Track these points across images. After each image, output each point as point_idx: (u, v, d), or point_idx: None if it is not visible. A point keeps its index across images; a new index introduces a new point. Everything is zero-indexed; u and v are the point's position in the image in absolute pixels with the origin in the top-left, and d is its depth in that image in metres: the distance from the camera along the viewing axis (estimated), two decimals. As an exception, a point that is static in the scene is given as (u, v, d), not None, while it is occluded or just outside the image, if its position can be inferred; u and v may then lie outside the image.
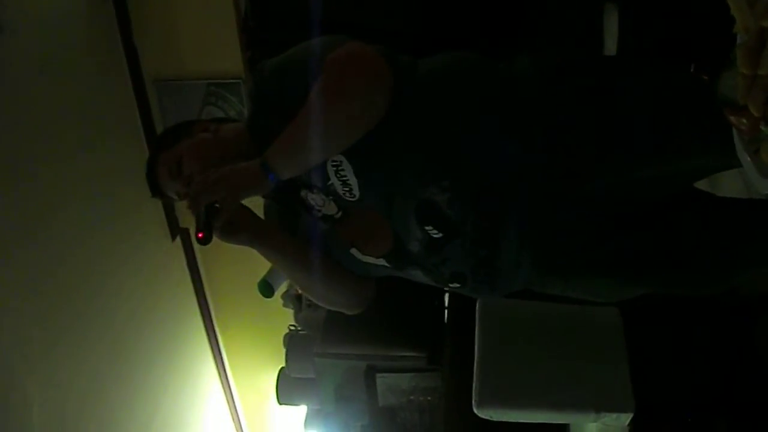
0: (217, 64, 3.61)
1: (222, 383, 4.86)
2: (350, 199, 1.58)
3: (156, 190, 1.72)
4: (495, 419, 2.13)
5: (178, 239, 4.21)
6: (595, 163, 1.50)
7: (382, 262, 1.69)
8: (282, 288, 3.89)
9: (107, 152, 3.48)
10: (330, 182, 1.56)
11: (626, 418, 2.05)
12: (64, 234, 3.16)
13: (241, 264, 4.28)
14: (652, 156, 1.50)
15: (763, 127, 0.98)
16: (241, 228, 1.57)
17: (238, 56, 3.54)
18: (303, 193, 1.64)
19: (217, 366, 4.77)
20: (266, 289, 3.80)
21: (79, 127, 3.31)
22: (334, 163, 1.53)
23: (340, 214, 1.64)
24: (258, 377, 4.78)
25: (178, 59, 3.65)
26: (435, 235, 1.55)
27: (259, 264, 3.88)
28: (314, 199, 1.64)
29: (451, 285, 1.68)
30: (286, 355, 3.25)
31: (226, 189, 1.45)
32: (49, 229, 3.07)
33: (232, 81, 3.62)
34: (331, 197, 1.61)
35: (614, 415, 2.05)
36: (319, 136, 1.45)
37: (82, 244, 3.28)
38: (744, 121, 1.01)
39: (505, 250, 1.55)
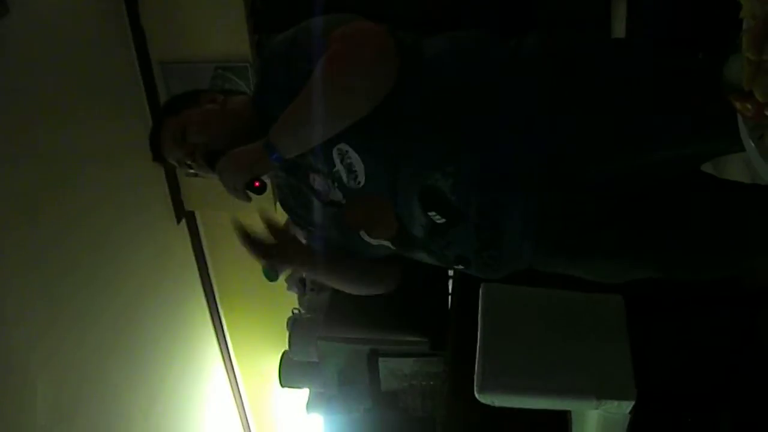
0: (225, 47, 3.60)
1: (225, 365, 4.88)
2: (354, 186, 1.58)
3: (158, 154, 1.74)
4: (497, 405, 2.13)
5: (183, 222, 4.22)
6: (599, 149, 1.49)
7: (387, 244, 1.70)
8: (286, 272, 3.89)
9: (113, 133, 3.49)
10: (335, 169, 1.56)
11: (627, 406, 2.05)
12: (68, 213, 3.17)
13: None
14: (659, 140, 1.49)
15: (768, 113, 0.98)
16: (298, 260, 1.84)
17: (246, 39, 3.54)
18: (311, 177, 1.65)
19: (220, 348, 4.80)
20: (271, 272, 3.81)
21: (85, 108, 3.32)
22: (340, 151, 1.53)
23: (345, 201, 1.65)
24: (261, 360, 4.80)
25: (185, 41, 3.64)
26: (438, 221, 1.55)
27: (264, 247, 3.91)
28: (320, 184, 1.64)
29: (455, 267, 1.69)
30: (289, 338, 3.25)
31: (233, 170, 1.51)
32: (53, 208, 3.08)
33: (239, 64, 3.61)
34: (336, 184, 1.61)
35: (615, 403, 2.05)
36: (322, 112, 1.46)
37: (86, 225, 3.29)
38: (749, 107, 1.01)
39: (508, 234, 1.55)
